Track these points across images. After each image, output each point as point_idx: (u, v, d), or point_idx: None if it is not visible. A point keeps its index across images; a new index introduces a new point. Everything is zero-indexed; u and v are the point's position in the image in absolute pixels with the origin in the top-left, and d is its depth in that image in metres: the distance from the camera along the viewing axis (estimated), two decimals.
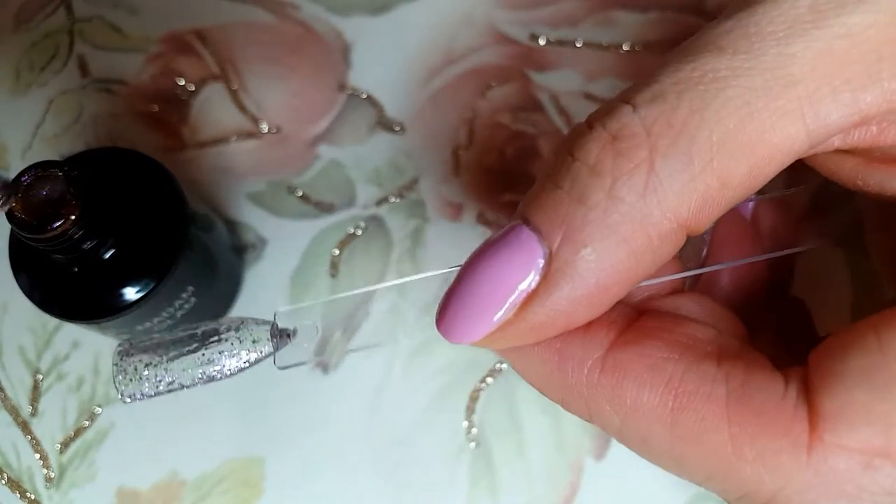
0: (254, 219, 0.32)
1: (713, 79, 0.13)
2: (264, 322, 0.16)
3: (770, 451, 0.13)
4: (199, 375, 0.15)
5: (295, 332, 0.17)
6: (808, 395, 0.13)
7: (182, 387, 0.15)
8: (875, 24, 0.13)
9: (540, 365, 0.15)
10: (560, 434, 0.28)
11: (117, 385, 0.15)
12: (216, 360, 0.16)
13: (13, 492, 0.29)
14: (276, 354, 0.16)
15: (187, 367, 0.15)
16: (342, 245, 0.31)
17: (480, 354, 0.29)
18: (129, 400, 0.15)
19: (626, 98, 0.13)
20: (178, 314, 0.26)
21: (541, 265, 0.13)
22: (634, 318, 0.15)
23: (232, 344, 0.16)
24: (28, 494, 0.29)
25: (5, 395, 0.30)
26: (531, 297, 0.13)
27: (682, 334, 0.15)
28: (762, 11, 0.13)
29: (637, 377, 0.14)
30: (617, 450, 0.28)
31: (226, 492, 0.28)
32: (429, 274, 0.17)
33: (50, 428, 0.30)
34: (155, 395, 0.15)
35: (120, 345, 0.16)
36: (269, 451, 0.29)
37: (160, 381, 0.15)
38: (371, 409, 0.29)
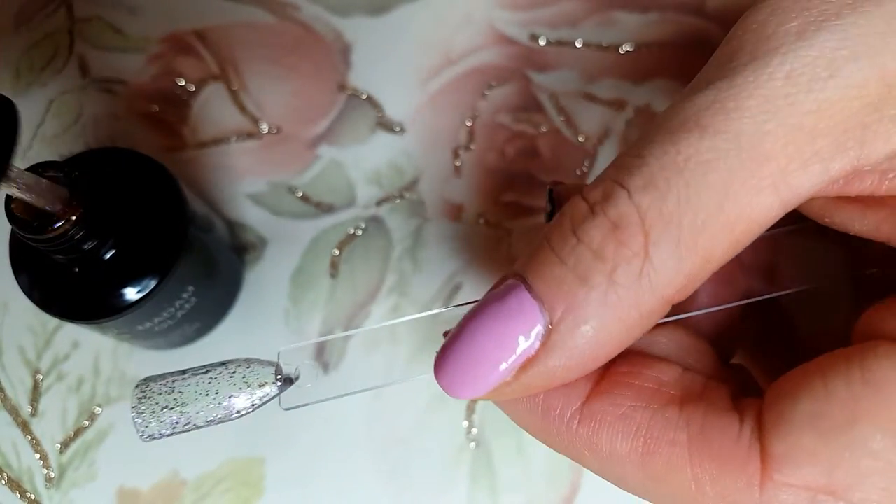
0: (254, 219, 0.32)
1: (696, 163, 0.14)
2: (269, 363, 0.18)
3: (728, 489, 0.15)
4: (212, 417, 0.17)
5: (298, 374, 0.18)
6: (761, 434, 0.15)
7: (196, 427, 0.17)
8: (842, 98, 0.14)
9: (525, 413, 0.17)
10: None
11: (137, 427, 0.17)
12: (227, 404, 0.17)
13: (13, 492, 0.29)
14: (281, 396, 0.18)
15: (201, 409, 0.17)
16: (342, 245, 0.31)
17: None
18: (147, 440, 0.17)
19: (621, 181, 0.15)
20: (179, 314, 0.26)
21: (541, 333, 0.15)
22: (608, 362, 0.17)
23: (240, 388, 0.17)
24: (28, 494, 0.29)
25: (5, 395, 0.30)
26: (530, 362, 0.15)
27: (648, 378, 0.16)
28: (741, 84, 0.14)
29: (610, 426, 0.16)
30: None
31: (226, 491, 0.28)
32: (426, 314, 0.19)
33: (50, 428, 0.30)
34: (171, 435, 0.17)
35: (137, 387, 0.17)
36: (270, 451, 0.29)
37: (176, 423, 0.17)
38: (371, 409, 0.29)
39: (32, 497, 0.29)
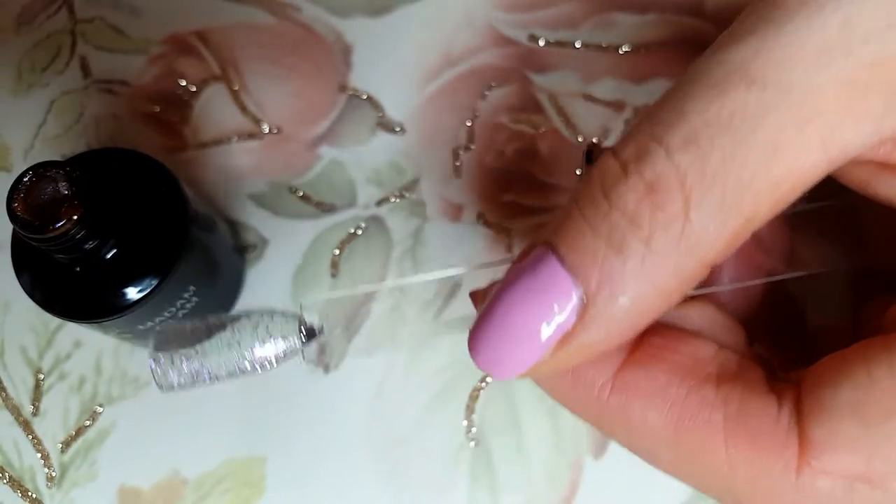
0: (255, 219, 0.32)
1: (743, 118, 0.13)
2: (292, 315, 0.17)
3: (762, 472, 0.14)
4: (234, 369, 0.16)
5: (322, 328, 0.17)
6: (800, 420, 0.14)
7: (217, 379, 0.16)
8: None
9: (555, 380, 0.16)
10: (560, 433, 0.28)
11: (155, 376, 0.16)
12: (250, 356, 0.16)
13: (15, 491, 0.29)
14: (304, 350, 0.17)
15: (223, 361, 0.16)
16: (343, 245, 0.31)
17: None
18: (167, 391, 0.16)
19: (658, 137, 0.13)
20: (180, 314, 0.26)
21: (576, 307, 0.14)
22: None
23: (263, 340, 0.16)
24: (30, 494, 0.29)
25: (7, 395, 0.30)
26: (567, 338, 0.14)
27: (685, 354, 0.16)
28: (791, 32, 0.13)
29: (644, 400, 0.15)
30: (616, 449, 0.28)
31: (227, 491, 0.29)
32: (448, 272, 0.18)
33: (51, 427, 0.30)
34: (191, 386, 0.16)
35: (155, 336, 0.16)
36: (270, 451, 0.29)
37: (197, 374, 0.16)
38: (371, 408, 0.29)
39: (34, 496, 0.29)
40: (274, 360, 0.16)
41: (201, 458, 0.29)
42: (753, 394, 0.15)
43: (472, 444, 0.29)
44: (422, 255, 0.31)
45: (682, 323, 0.17)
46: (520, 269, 0.15)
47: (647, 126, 0.14)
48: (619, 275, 0.13)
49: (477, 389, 0.29)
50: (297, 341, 0.16)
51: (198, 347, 0.16)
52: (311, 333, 0.17)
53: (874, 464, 0.13)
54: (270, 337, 0.16)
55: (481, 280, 0.18)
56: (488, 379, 0.29)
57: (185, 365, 0.16)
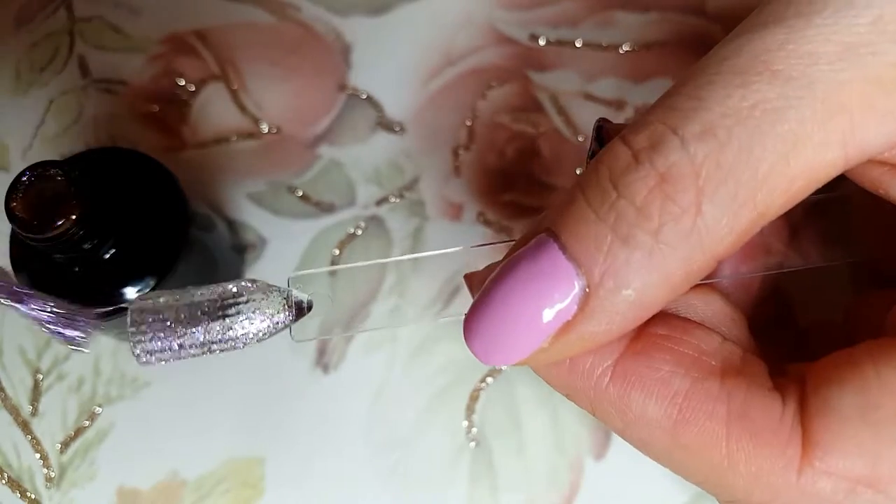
0: (254, 219, 0.32)
1: (764, 111, 0.13)
2: (279, 290, 0.16)
3: (763, 470, 0.14)
4: (216, 343, 0.15)
5: (310, 304, 0.16)
6: (804, 419, 0.14)
7: (199, 353, 0.15)
8: None
9: (551, 366, 0.16)
10: (560, 433, 0.28)
11: (133, 348, 0.15)
12: (234, 327, 0.15)
13: (13, 491, 0.29)
14: (293, 327, 0.16)
15: (206, 333, 0.15)
16: (342, 245, 0.31)
17: None
18: (144, 364, 0.15)
19: (673, 126, 0.13)
20: None
21: (578, 296, 0.13)
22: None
23: (251, 313, 0.15)
24: (28, 494, 0.29)
25: (6, 395, 0.30)
26: (567, 327, 0.14)
27: (689, 345, 0.15)
28: (819, 25, 0.13)
29: (644, 389, 0.15)
30: (617, 449, 0.28)
31: (226, 491, 0.28)
32: (447, 251, 0.17)
33: (50, 428, 0.30)
34: (171, 360, 0.15)
35: (135, 302, 0.15)
36: (270, 451, 0.29)
37: (179, 347, 0.15)
38: (371, 409, 0.29)
39: (32, 497, 0.29)
40: (260, 335, 0.16)
41: (200, 459, 0.29)
42: (758, 390, 0.15)
43: (472, 444, 0.29)
44: None
45: (685, 312, 0.16)
46: (520, 257, 0.14)
47: (661, 113, 0.13)
48: (625, 266, 0.13)
49: (477, 390, 0.29)
50: (285, 317, 0.16)
51: (180, 318, 0.15)
52: (300, 310, 0.16)
53: (879, 468, 0.13)
54: (258, 311, 0.16)
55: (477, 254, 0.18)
56: (489, 379, 0.29)
57: (165, 339, 0.15)
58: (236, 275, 0.31)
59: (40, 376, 0.30)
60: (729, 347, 0.16)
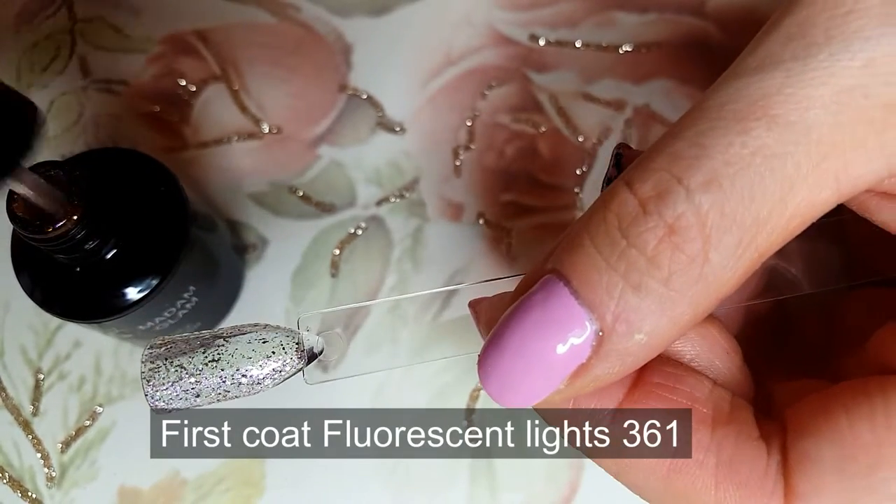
0: (255, 219, 0.32)
1: (764, 157, 0.13)
2: (290, 332, 0.16)
3: None
4: (229, 393, 0.16)
5: (322, 347, 0.17)
6: (786, 470, 0.15)
7: (216, 399, 0.16)
8: None
9: (554, 409, 0.17)
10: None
11: (149, 400, 0.15)
12: (247, 374, 0.16)
13: (14, 491, 0.29)
14: (305, 371, 0.16)
15: (217, 384, 0.15)
16: (343, 245, 0.31)
17: None
18: (160, 414, 0.15)
19: (678, 175, 0.13)
20: (180, 314, 0.26)
21: (591, 340, 0.14)
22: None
23: (263, 359, 0.16)
24: (29, 494, 0.29)
25: (7, 395, 0.30)
26: (582, 370, 0.14)
27: (682, 394, 0.16)
28: (815, 68, 0.13)
29: None
30: None
31: (227, 491, 0.29)
32: (450, 288, 0.18)
33: (51, 427, 0.30)
34: (185, 407, 0.16)
35: (147, 357, 0.16)
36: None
37: (196, 397, 0.15)
38: (371, 408, 0.29)
39: (34, 496, 0.29)
40: (271, 383, 0.16)
41: (201, 458, 0.29)
42: (745, 441, 0.15)
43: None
44: (422, 255, 0.31)
45: (681, 346, 0.17)
46: (530, 303, 0.15)
47: (665, 161, 0.14)
48: (636, 312, 0.14)
49: (477, 390, 0.29)
50: (296, 362, 0.16)
51: (192, 369, 0.15)
52: (312, 355, 0.16)
53: None
54: (268, 358, 0.16)
55: (481, 288, 0.18)
56: None
57: (178, 385, 0.15)
58: (237, 274, 0.31)
59: (41, 376, 0.30)
60: (719, 393, 0.16)
